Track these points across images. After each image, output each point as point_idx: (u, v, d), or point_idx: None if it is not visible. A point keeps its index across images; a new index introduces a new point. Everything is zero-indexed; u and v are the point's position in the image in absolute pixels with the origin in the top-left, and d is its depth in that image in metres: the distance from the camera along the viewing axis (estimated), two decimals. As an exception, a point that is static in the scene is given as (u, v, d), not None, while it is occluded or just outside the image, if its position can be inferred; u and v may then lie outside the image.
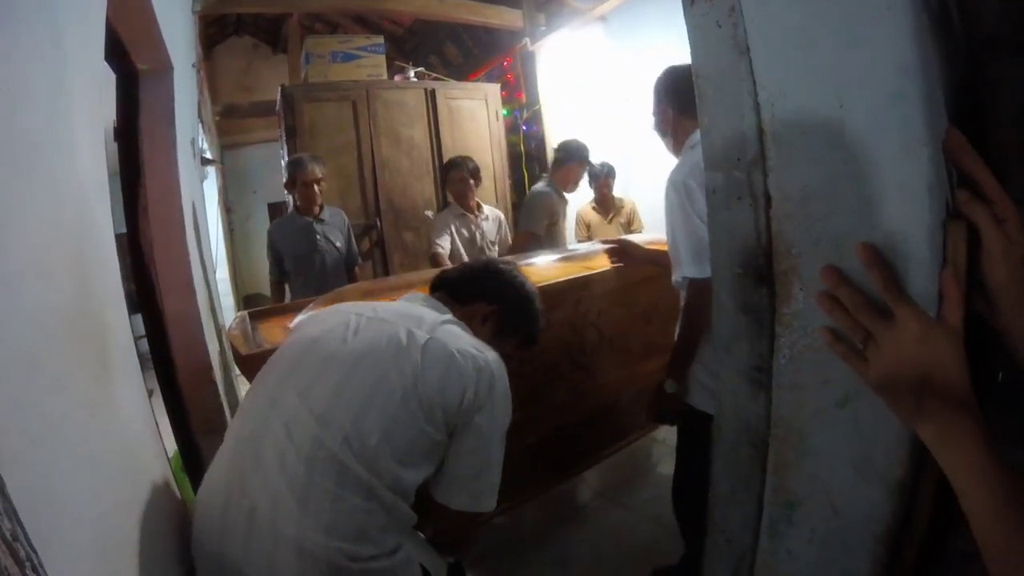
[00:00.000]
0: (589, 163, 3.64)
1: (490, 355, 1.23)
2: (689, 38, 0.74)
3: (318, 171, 3.18)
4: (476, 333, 1.35)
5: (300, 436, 1.05)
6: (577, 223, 4.13)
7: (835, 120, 0.61)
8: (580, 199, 4.02)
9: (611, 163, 4.00)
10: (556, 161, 3.61)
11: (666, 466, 3.09)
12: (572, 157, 3.55)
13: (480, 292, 1.44)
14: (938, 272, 0.56)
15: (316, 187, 3.18)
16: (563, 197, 3.60)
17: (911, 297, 0.57)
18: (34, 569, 0.52)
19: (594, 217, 4.06)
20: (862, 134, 0.59)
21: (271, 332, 1.71)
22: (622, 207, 4.07)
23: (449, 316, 1.32)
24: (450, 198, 3.61)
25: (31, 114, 0.81)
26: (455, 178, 3.42)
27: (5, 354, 0.60)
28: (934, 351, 0.55)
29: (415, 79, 4.79)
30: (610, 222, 4.02)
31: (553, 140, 5.03)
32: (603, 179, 3.94)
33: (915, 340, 0.55)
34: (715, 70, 0.71)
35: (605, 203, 4.03)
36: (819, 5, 0.61)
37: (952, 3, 0.60)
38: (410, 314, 1.27)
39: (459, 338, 1.24)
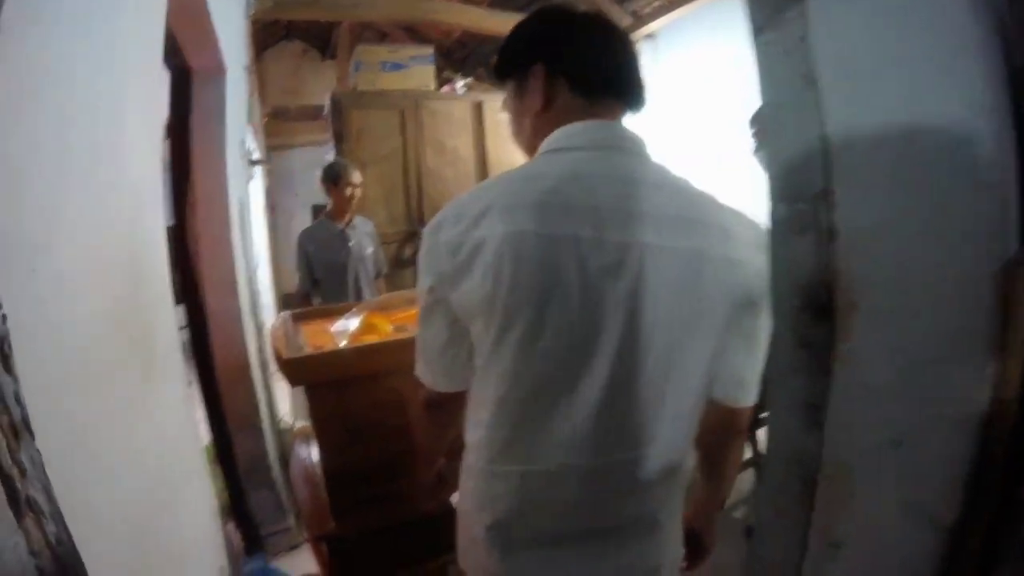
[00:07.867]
0: None
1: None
2: (756, 67, 0.72)
3: (357, 178, 3.22)
4: None
5: None
6: None
7: (904, 157, 0.59)
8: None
9: None
10: None
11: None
12: None
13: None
14: (1000, 317, 0.54)
15: (358, 192, 3.22)
16: None
17: None
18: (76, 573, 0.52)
19: None
20: (931, 173, 0.58)
21: (313, 335, 1.71)
22: None
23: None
24: None
25: (90, 115, 0.83)
26: None
27: (57, 355, 0.61)
28: None
29: (463, 90, 4.81)
30: None
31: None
32: None
33: None
34: (781, 99, 0.70)
35: None
36: (894, 40, 0.59)
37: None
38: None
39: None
